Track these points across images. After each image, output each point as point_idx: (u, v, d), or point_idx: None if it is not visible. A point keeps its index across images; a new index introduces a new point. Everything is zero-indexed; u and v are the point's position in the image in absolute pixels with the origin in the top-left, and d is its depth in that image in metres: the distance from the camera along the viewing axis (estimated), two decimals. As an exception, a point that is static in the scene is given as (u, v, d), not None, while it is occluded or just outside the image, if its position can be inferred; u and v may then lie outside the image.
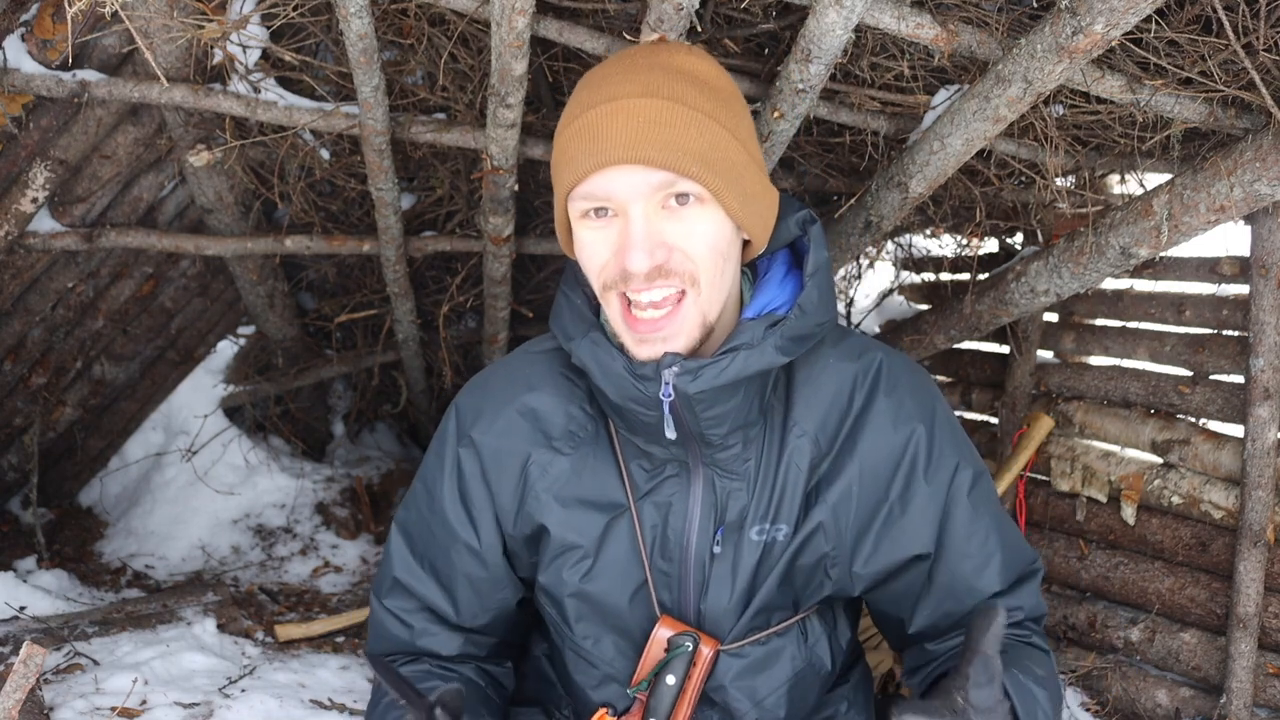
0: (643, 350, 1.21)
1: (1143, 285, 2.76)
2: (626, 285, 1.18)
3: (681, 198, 1.16)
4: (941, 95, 1.96)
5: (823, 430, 1.32)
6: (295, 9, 2.13)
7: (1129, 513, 2.59)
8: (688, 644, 1.30)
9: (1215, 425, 2.50)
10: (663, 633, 1.32)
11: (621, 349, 1.24)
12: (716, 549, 1.31)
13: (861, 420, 1.32)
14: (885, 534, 1.33)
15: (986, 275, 2.64)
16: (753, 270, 1.36)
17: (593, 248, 1.20)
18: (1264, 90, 1.56)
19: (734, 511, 1.31)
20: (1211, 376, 2.49)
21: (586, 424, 1.35)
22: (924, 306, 3.56)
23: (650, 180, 1.14)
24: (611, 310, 1.23)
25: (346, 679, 2.59)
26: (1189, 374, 2.55)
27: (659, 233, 1.16)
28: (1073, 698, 2.53)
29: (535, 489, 1.33)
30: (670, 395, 1.20)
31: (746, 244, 1.30)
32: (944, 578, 1.34)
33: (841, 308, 4.24)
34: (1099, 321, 2.89)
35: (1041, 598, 1.42)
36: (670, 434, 1.24)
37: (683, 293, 1.19)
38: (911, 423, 1.32)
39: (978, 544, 1.34)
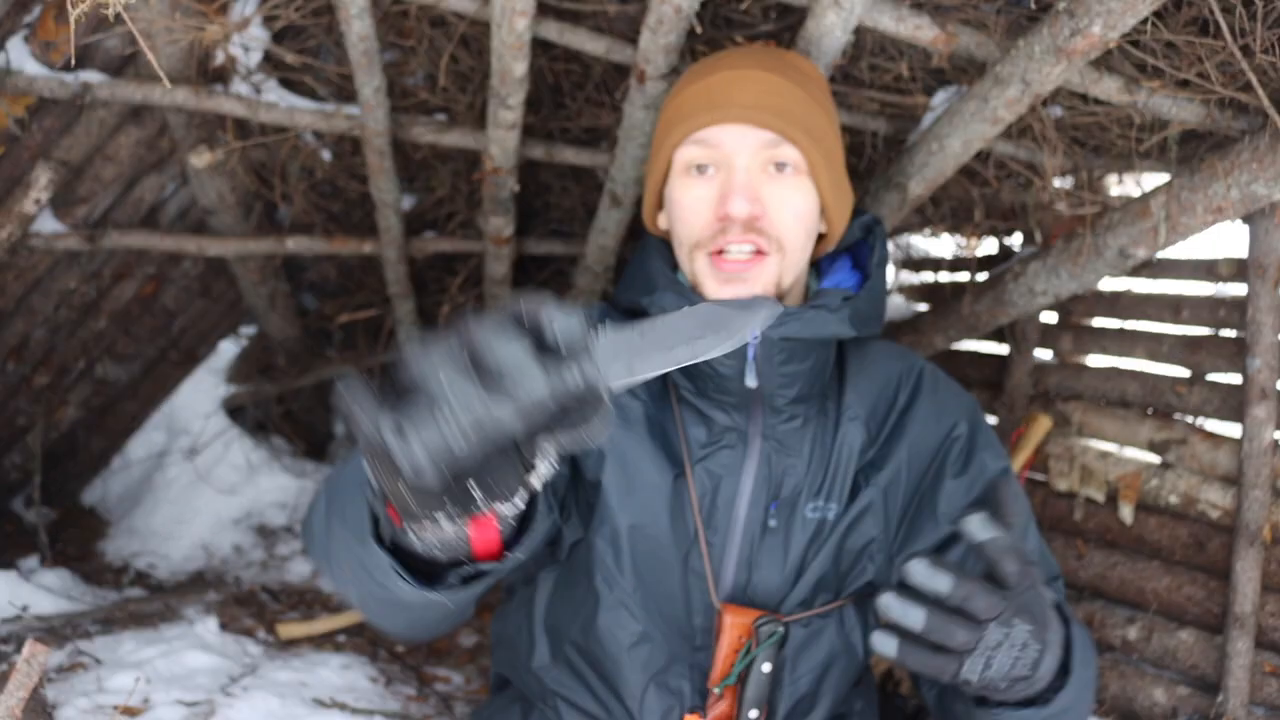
0: (725, 290, 1.27)
1: (1140, 286, 2.77)
2: (724, 237, 1.26)
3: (781, 166, 1.27)
4: (940, 96, 1.97)
5: (873, 417, 1.39)
6: (297, 11, 2.14)
7: (1126, 512, 2.60)
8: (779, 630, 1.30)
9: (1212, 425, 2.50)
10: (735, 619, 1.30)
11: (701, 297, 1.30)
12: (772, 523, 1.33)
13: (907, 414, 1.40)
14: (916, 520, 1.38)
15: (985, 276, 2.65)
16: (816, 270, 1.45)
17: (694, 205, 1.28)
18: (1261, 92, 1.57)
19: (789, 488, 1.34)
20: (1208, 376, 2.50)
21: (653, 382, 1.37)
22: (923, 307, 3.56)
23: (759, 138, 1.26)
24: (700, 264, 1.29)
25: (348, 678, 2.60)
26: (1186, 374, 2.55)
27: (757, 188, 1.26)
28: (1071, 696, 2.54)
29: (614, 433, 1.33)
30: (757, 337, 1.25)
31: (818, 241, 1.39)
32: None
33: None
34: (1097, 322, 2.89)
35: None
36: (752, 381, 1.28)
37: (766, 254, 1.27)
38: (954, 416, 1.41)
39: (1012, 498, 1.36)
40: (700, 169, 1.28)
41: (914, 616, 0.98)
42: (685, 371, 1.32)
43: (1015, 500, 1.34)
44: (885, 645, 1.00)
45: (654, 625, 1.34)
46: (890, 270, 3.96)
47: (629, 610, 1.34)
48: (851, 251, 1.46)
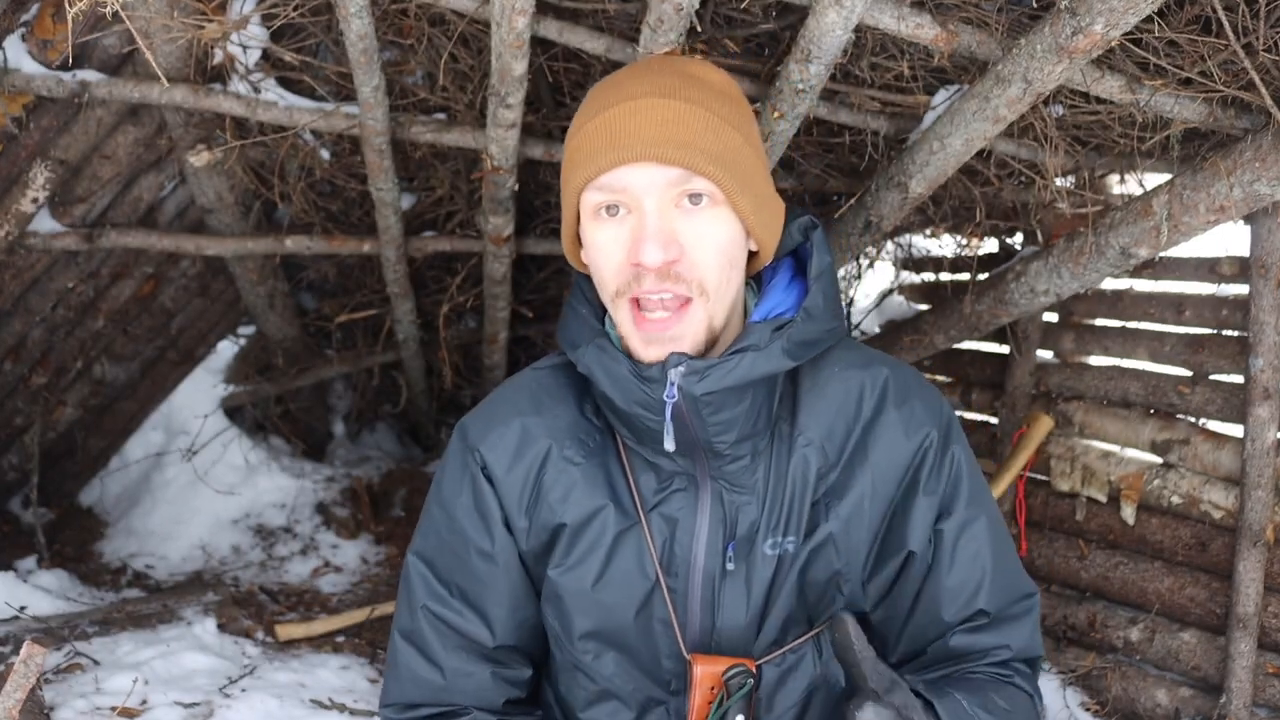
0: (650, 351, 1.21)
1: (1142, 285, 2.76)
2: (640, 285, 1.19)
3: (695, 198, 1.19)
4: (941, 95, 1.97)
5: (829, 439, 1.30)
6: (295, 9, 2.13)
7: (1129, 512, 2.59)
8: (749, 681, 1.27)
9: (1215, 425, 2.50)
10: (705, 670, 1.27)
11: (628, 354, 1.24)
12: (730, 566, 1.29)
13: (871, 431, 1.30)
14: (888, 539, 1.32)
15: (986, 275, 2.64)
16: (757, 282, 1.36)
17: (606, 249, 1.21)
18: (1263, 90, 1.56)
19: (745, 526, 1.29)
20: (1211, 376, 2.49)
21: (594, 434, 1.33)
22: (924, 306, 3.56)
23: (667, 176, 1.17)
24: (621, 315, 1.23)
25: (347, 678, 2.60)
26: (1188, 374, 2.55)
27: (672, 230, 1.18)
28: (1073, 697, 2.53)
29: (548, 499, 1.31)
30: (674, 396, 1.19)
31: (752, 256, 1.31)
32: (931, 590, 1.31)
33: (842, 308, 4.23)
34: (1099, 321, 2.89)
35: (1039, 637, 1.36)
36: (669, 445, 1.22)
37: (689, 299, 1.20)
38: (925, 428, 1.31)
39: (967, 558, 1.31)
40: (610, 210, 1.20)
41: None
42: (623, 422, 1.28)
43: (976, 530, 1.33)
44: None
45: (619, 680, 1.34)
46: (890, 270, 3.96)
47: (583, 671, 1.34)
48: (795, 254, 1.37)
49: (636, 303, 1.21)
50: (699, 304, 1.20)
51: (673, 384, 1.19)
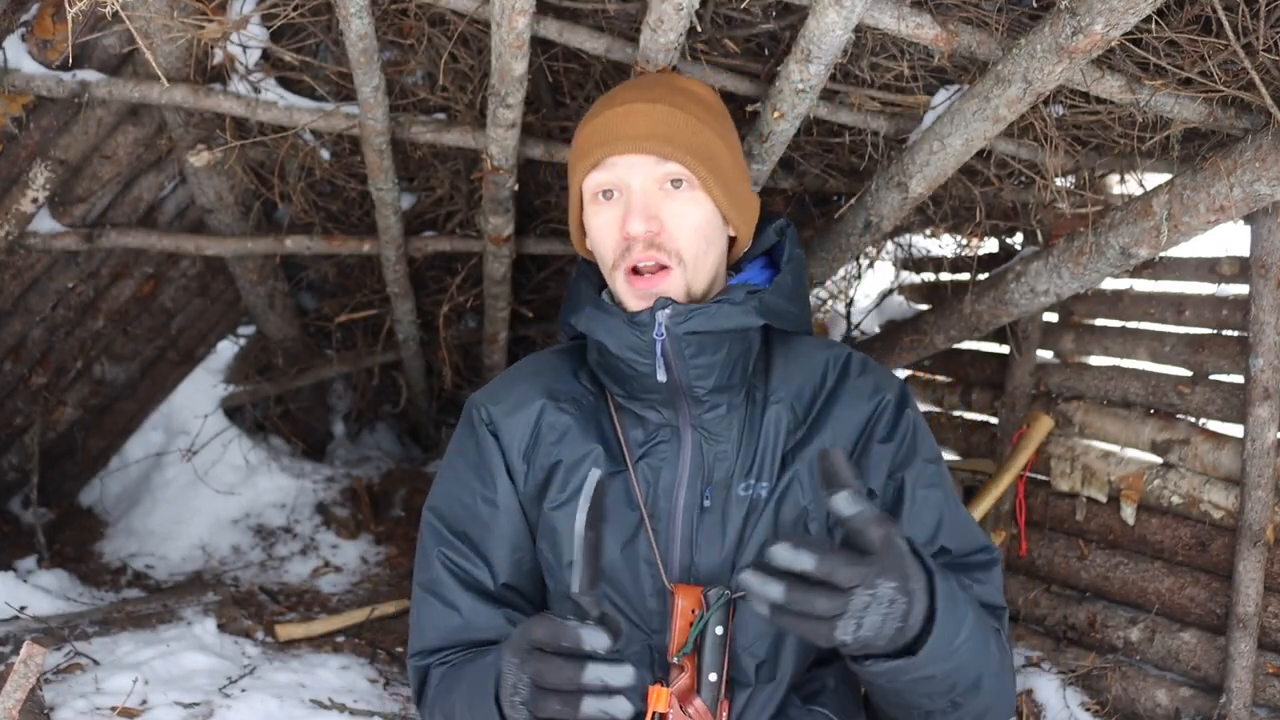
0: (641, 304, 1.42)
1: (1142, 285, 2.76)
2: (630, 255, 1.40)
3: (675, 182, 1.41)
4: (941, 95, 1.97)
5: (798, 400, 1.48)
6: (295, 9, 2.14)
7: (1129, 513, 2.59)
8: (727, 593, 1.39)
9: (1215, 425, 2.50)
10: (686, 602, 1.39)
11: (622, 309, 1.45)
12: (707, 503, 1.44)
13: (834, 397, 1.49)
14: None
15: (986, 275, 2.64)
16: (737, 271, 1.57)
17: (604, 229, 1.43)
18: (1263, 90, 1.56)
19: (721, 471, 1.45)
20: (1211, 376, 2.49)
21: (587, 395, 1.51)
22: (924, 306, 3.56)
23: (649, 163, 1.41)
24: (619, 283, 1.44)
25: (347, 679, 2.60)
26: (1189, 374, 2.55)
27: (655, 207, 1.41)
28: (1073, 698, 2.53)
29: (546, 441, 1.48)
30: (662, 335, 1.38)
31: (733, 242, 1.52)
32: None
33: (841, 308, 4.23)
34: (1099, 321, 2.89)
35: (1000, 595, 1.45)
36: (661, 376, 1.40)
37: (669, 266, 1.41)
38: (881, 393, 1.49)
39: (926, 501, 1.42)
40: (606, 194, 1.43)
41: (773, 590, 1.08)
42: (612, 377, 1.47)
43: (929, 485, 1.43)
44: (758, 607, 1.10)
45: (608, 608, 1.43)
46: (890, 270, 3.96)
47: (574, 602, 1.42)
48: (770, 254, 1.60)
49: (632, 270, 1.42)
50: (678, 270, 1.41)
51: (660, 325, 1.38)
